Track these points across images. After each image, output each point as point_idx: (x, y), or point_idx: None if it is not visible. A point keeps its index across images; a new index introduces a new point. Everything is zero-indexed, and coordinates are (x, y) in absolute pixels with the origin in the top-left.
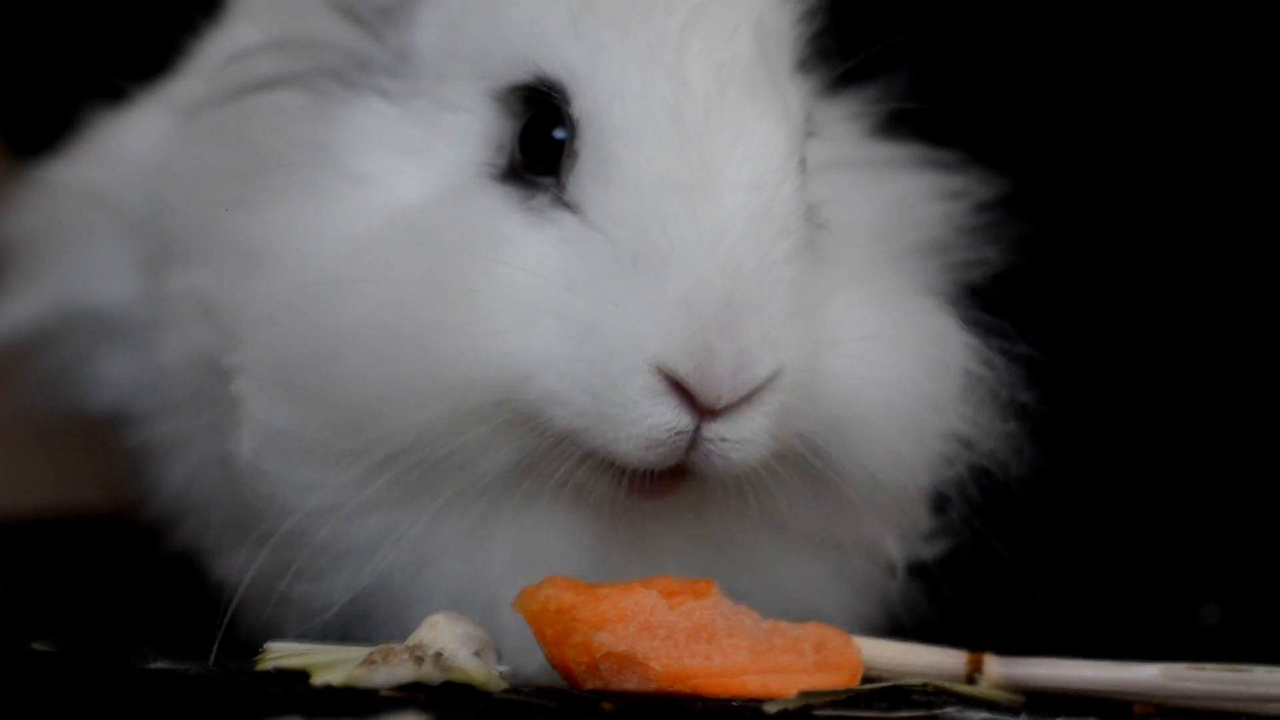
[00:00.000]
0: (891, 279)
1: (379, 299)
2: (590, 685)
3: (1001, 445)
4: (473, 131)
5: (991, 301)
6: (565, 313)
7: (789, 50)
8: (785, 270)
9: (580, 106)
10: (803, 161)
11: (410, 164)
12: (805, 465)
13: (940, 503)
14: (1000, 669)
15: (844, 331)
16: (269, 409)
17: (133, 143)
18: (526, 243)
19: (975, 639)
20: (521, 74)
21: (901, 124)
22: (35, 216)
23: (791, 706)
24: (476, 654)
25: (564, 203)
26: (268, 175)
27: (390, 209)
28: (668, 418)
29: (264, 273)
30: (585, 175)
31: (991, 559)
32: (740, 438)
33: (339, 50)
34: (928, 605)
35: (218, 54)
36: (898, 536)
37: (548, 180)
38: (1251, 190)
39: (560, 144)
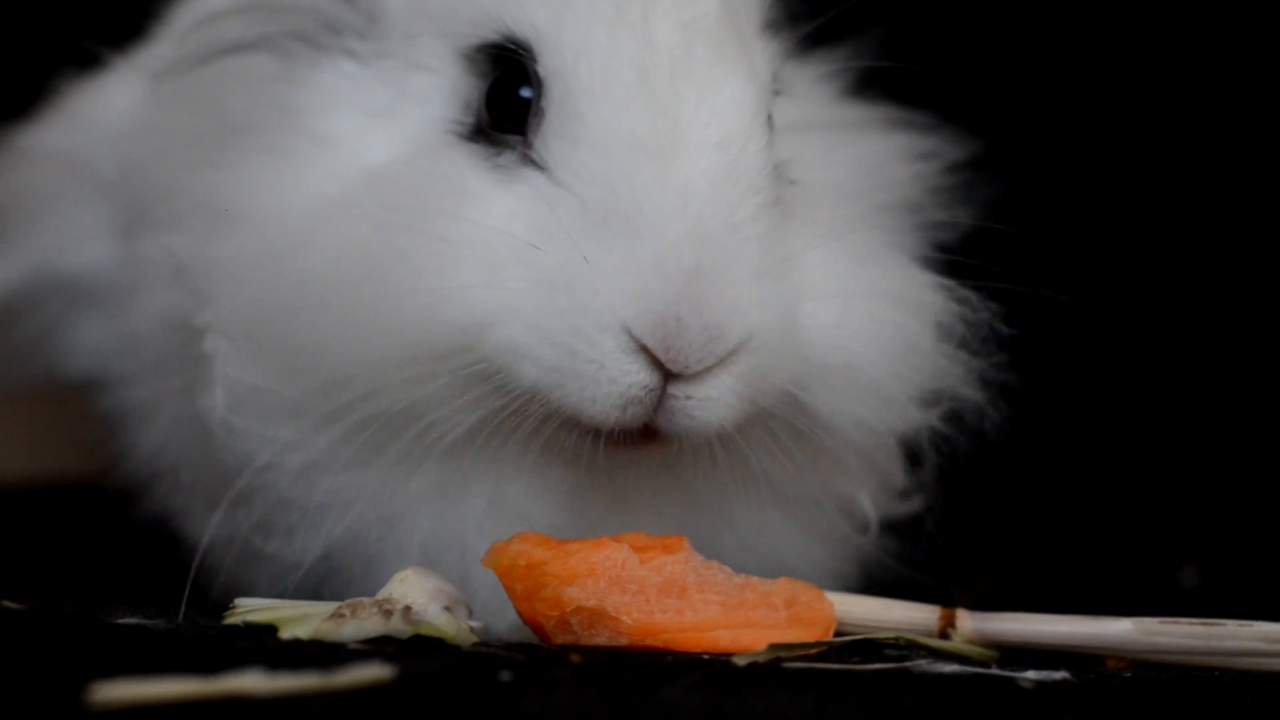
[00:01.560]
0: (862, 235)
1: (342, 252)
2: (561, 640)
3: (974, 395)
4: (440, 91)
5: (966, 262)
6: (534, 264)
7: (756, 9)
8: (753, 228)
9: (546, 65)
10: (770, 119)
11: (378, 125)
12: (779, 421)
13: (914, 460)
14: (972, 624)
15: (816, 288)
16: (240, 364)
17: (106, 108)
18: (494, 198)
19: (952, 599)
20: (488, 32)
21: (872, 85)
22: (9, 182)
23: (761, 659)
24: (446, 609)
25: (531, 160)
26: (236, 138)
27: (357, 169)
28: (640, 376)
29: (232, 231)
30: (552, 133)
31: (969, 519)
32: (706, 396)
33: (307, 12)
34: (904, 564)
35: (190, 18)
36: (872, 492)
37: (514, 139)
38: (1222, 150)
39: (527, 103)
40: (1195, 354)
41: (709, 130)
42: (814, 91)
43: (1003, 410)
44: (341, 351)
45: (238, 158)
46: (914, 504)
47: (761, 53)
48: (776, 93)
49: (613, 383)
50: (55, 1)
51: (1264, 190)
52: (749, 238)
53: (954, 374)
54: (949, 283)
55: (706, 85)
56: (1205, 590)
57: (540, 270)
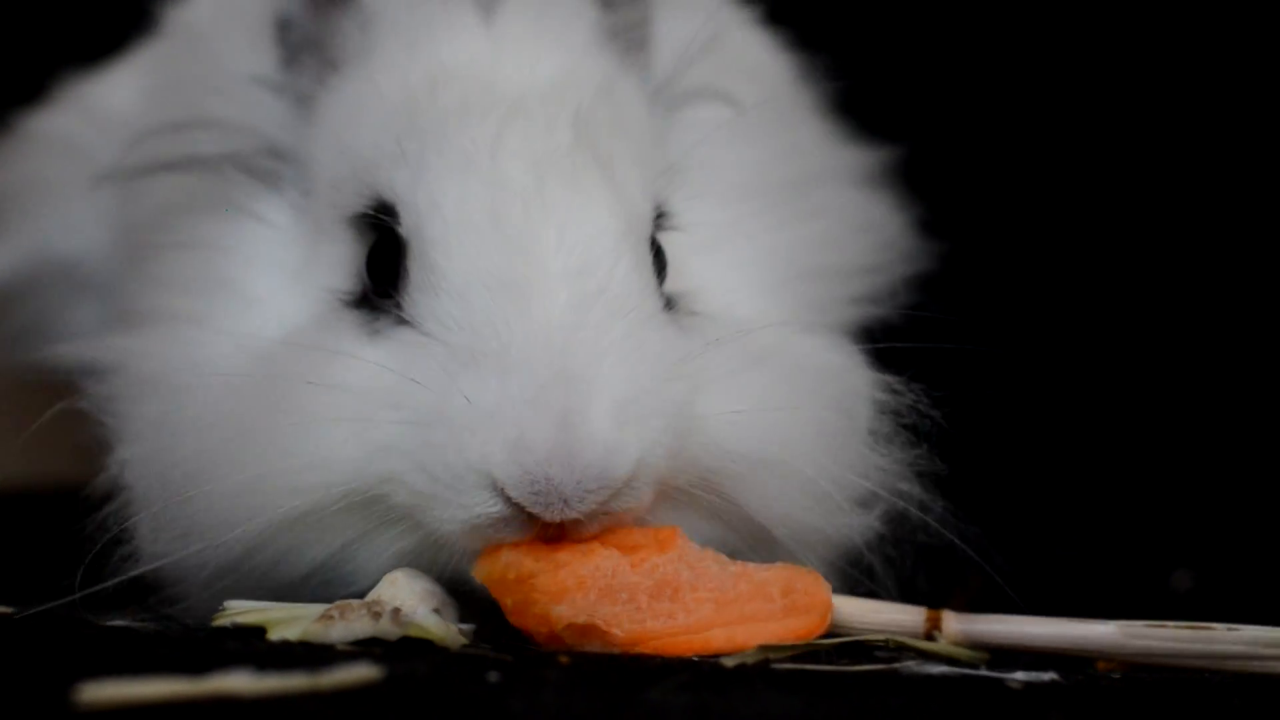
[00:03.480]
0: (775, 336)
1: (229, 434)
2: (554, 648)
3: (915, 484)
4: (339, 259)
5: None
6: (405, 405)
7: (634, 133)
8: (626, 351)
9: (406, 224)
10: (655, 242)
11: (293, 287)
12: (708, 507)
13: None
14: (958, 626)
15: (716, 402)
16: (154, 499)
17: (110, 99)
18: (364, 355)
19: (943, 603)
20: (362, 200)
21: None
22: (12, 169)
23: (750, 660)
24: (435, 610)
25: (403, 320)
26: (172, 274)
27: (260, 345)
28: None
29: (146, 397)
30: (416, 289)
31: (959, 522)
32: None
33: (255, 135)
34: (893, 574)
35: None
36: (815, 554)
37: (388, 302)
38: (1206, 159)
39: (399, 256)
40: (1188, 359)
41: (569, 260)
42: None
43: (938, 502)
44: (242, 515)
45: (167, 304)
46: (876, 528)
47: (636, 176)
48: (661, 218)
49: (479, 518)
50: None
51: (1257, 194)
52: (622, 363)
53: (889, 464)
54: (870, 367)
55: (563, 217)
56: (1198, 595)
57: (413, 411)
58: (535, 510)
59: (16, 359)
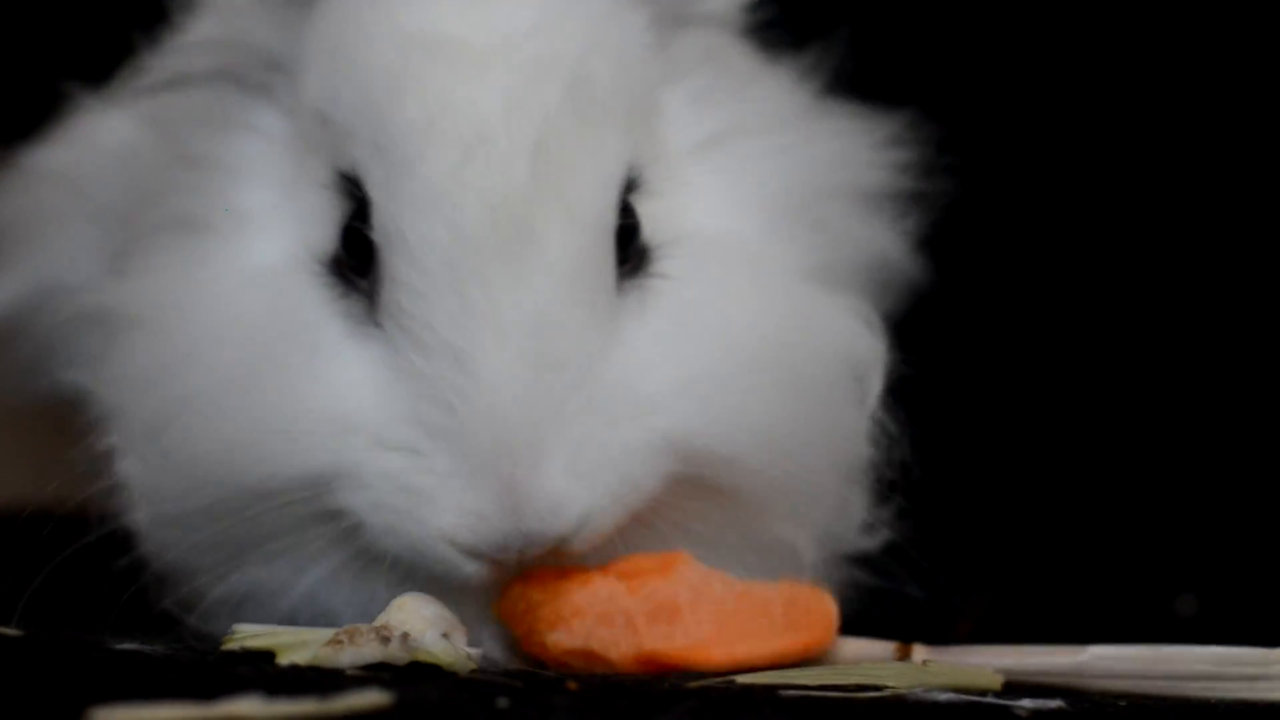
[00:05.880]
0: (765, 279)
1: (218, 378)
2: (565, 673)
3: (896, 446)
4: (319, 207)
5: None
6: (379, 435)
7: (599, 126)
8: (573, 408)
9: (378, 233)
10: (631, 215)
11: (281, 204)
12: (704, 493)
13: (882, 494)
14: (928, 658)
15: (678, 384)
16: (153, 481)
17: (108, 131)
18: (347, 355)
19: (949, 628)
20: (344, 162)
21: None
22: (13, 202)
23: (759, 682)
24: (444, 635)
25: (374, 320)
26: (163, 201)
27: (249, 269)
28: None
29: (133, 342)
30: (386, 309)
31: (961, 549)
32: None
33: (251, 50)
34: (899, 595)
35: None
36: (813, 537)
37: (362, 283)
38: (1206, 169)
39: (370, 249)
40: (1195, 383)
41: (519, 317)
42: (773, 100)
43: (914, 451)
44: (221, 471)
45: (157, 241)
46: (880, 537)
47: (600, 182)
48: (633, 186)
49: (449, 572)
50: (64, 26)
51: (1259, 196)
52: (567, 420)
53: (873, 424)
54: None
55: (516, 269)
56: (1203, 618)
57: (384, 443)
58: (493, 557)
59: (22, 388)
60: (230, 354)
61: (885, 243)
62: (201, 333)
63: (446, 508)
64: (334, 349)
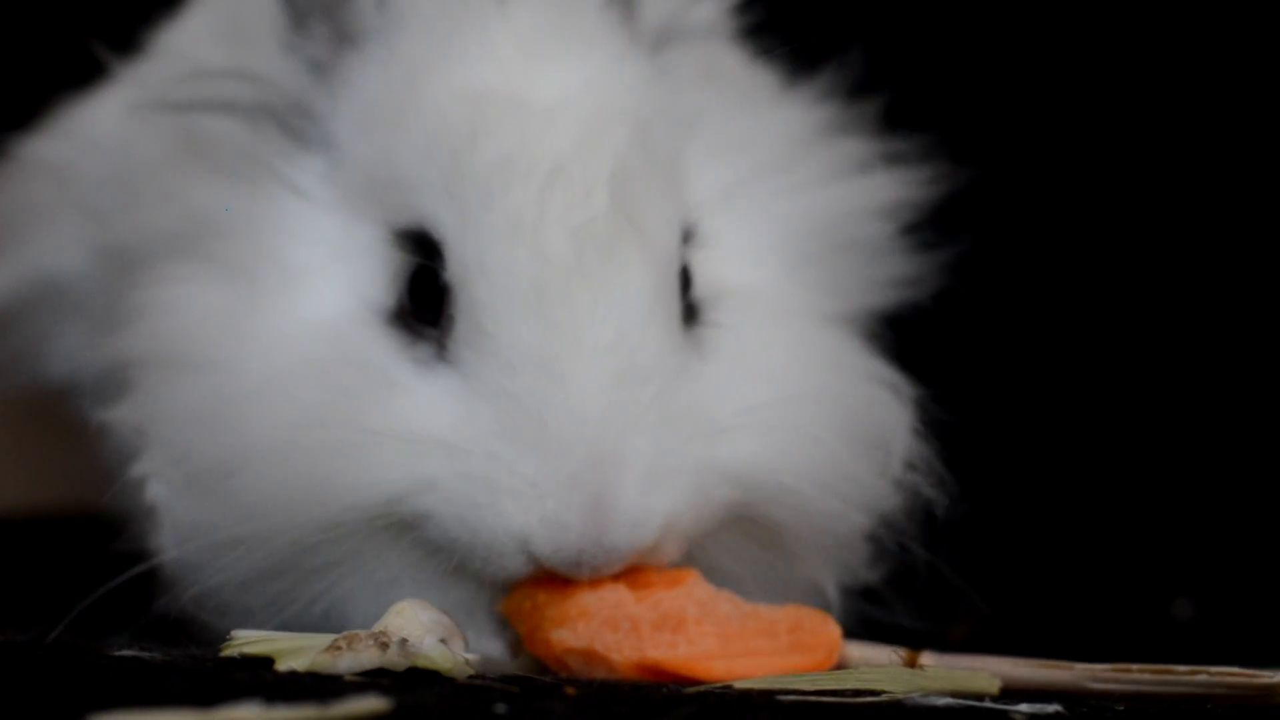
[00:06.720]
0: (796, 331)
1: (279, 427)
2: (564, 674)
3: (930, 476)
4: (376, 266)
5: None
6: (454, 452)
7: (661, 174)
8: (653, 422)
9: (452, 272)
10: (686, 271)
11: (329, 264)
12: (741, 526)
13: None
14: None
15: (742, 413)
16: (184, 506)
17: (98, 122)
18: (417, 390)
19: (942, 638)
20: (404, 218)
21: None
22: (5, 193)
23: (757, 687)
24: (443, 641)
25: (446, 360)
26: (202, 230)
27: (306, 320)
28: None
29: (180, 381)
30: (462, 341)
31: (961, 550)
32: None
33: (283, 90)
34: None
35: (171, 60)
36: (834, 573)
37: (431, 331)
38: (1208, 182)
39: (442, 295)
40: (1192, 389)
41: (602, 334)
42: (784, 131)
43: (951, 482)
44: (276, 510)
45: (199, 270)
46: (882, 569)
47: (666, 222)
48: (686, 237)
49: (510, 574)
50: (57, 17)
51: (1261, 199)
52: (648, 432)
53: (905, 459)
54: (887, 371)
55: (598, 290)
56: (1200, 623)
57: (462, 463)
58: (565, 574)
59: (13, 382)
60: (303, 394)
61: (900, 269)
62: (267, 376)
63: (530, 510)
64: (407, 383)
